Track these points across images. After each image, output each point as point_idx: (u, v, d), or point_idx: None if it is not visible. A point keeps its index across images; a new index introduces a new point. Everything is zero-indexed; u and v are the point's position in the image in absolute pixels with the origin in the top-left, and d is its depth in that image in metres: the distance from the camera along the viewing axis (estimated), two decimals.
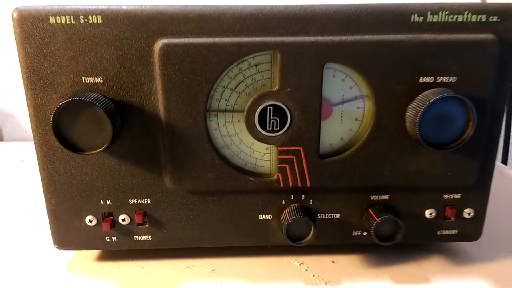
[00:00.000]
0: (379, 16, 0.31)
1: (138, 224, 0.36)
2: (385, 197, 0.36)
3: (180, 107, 0.32)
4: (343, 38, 0.31)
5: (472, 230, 0.38)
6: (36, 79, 0.31)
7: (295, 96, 0.32)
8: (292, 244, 0.35)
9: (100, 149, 0.31)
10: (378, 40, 0.31)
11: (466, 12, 0.31)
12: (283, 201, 0.36)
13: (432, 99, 0.30)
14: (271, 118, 0.33)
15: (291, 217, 0.34)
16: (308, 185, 0.35)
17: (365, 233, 0.37)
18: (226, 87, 0.33)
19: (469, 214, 0.37)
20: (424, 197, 0.36)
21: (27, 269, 0.37)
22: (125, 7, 0.30)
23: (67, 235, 0.36)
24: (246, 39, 0.31)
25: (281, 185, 0.35)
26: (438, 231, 0.37)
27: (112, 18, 0.30)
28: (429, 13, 0.31)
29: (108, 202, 0.35)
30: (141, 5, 0.30)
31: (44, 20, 0.30)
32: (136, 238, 0.36)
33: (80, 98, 0.30)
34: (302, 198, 0.36)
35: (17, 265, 0.38)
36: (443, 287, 0.35)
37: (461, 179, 0.35)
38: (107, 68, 0.31)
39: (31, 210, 0.49)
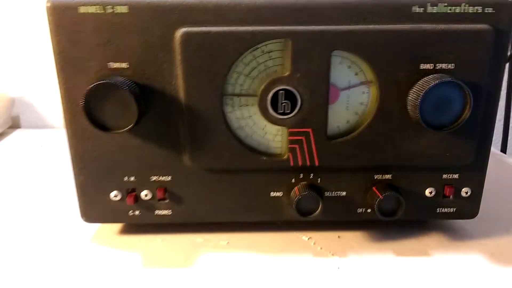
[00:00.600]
0: (383, 7, 0.34)
1: (159, 200, 0.39)
2: (388, 176, 0.39)
3: (198, 91, 0.35)
4: (350, 27, 0.34)
5: (469, 208, 0.40)
6: (67, 64, 0.34)
7: (304, 81, 0.35)
8: (301, 218, 0.38)
9: (126, 129, 0.34)
10: (382, 29, 0.34)
11: (463, 4, 0.34)
12: (293, 179, 0.39)
13: (432, 84, 0.33)
14: (283, 101, 0.36)
15: (300, 194, 0.37)
16: (316, 164, 0.37)
17: (369, 210, 0.40)
18: (241, 72, 0.36)
19: (466, 193, 0.39)
20: (424, 176, 0.39)
21: (56, 241, 0.40)
22: None
23: (93, 209, 0.39)
24: (259, 28, 0.34)
25: (291, 164, 0.38)
26: (437, 209, 0.40)
27: (137, 8, 0.33)
28: (429, 4, 0.34)
29: (132, 178, 0.38)
30: None
31: (74, 10, 0.33)
32: (157, 213, 0.39)
33: (109, 81, 0.32)
34: (311, 177, 0.39)
35: (47, 238, 0.41)
36: (441, 260, 0.38)
37: (459, 160, 0.38)
38: (132, 54, 0.34)
39: (57, 187, 0.52)
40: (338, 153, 0.37)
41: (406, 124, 0.36)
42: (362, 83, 0.37)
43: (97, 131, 0.34)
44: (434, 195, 0.39)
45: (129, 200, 0.38)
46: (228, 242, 0.40)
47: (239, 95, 0.36)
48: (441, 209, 0.40)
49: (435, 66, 0.35)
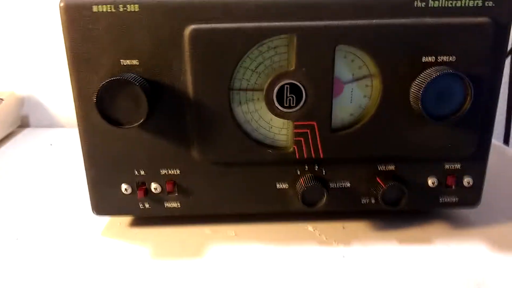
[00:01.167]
0: (385, 2, 0.35)
1: (169, 193, 0.40)
2: (391, 167, 0.40)
3: (206, 86, 0.36)
4: (353, 22, 0.35)
5: (471, 198, 0.41)
6: (80, 61, 0.35)
7: (309, 76, 0.36)
8: (306, 209, 0.39)
9: (137, 124, 0.35)
10: (385, 24, 0.35)
11: None
12: (298, 171, 0.40)
13: (434, 76, 0.34)
14: (288, 95, 0.37)
15: (306, 185, 0.38)
16: (321, 156, 0.38)
17: (373, 200, 0.41)
18: (248, 67, 0.37)
19: (468, 182, 0.40)
20: (427, 166, 0.40)
21: (67, 235, 0.42)
22: None
23: (104, 202, 0.40)
24: (265, 24, 0.35)
25: (297, 156, 0.39)
26: (440, 198, 0.41)
27: (148, 6, 0.34)
28: None
29: (142, 172, 0.39)
30: None
31: (87, 9, 0.34)
32: (167, 205, 0.41)
33: (121, 77, 0.34)
34: (316, 169, 0.40)
35: (57, 233, 0.42)
36: (444, 248, 0.39)
37: (460, 150, 0.39)
38: (143, 51, 0.35)
39: (67, 184, 0.53)
40: (342, 145, 0.38)
41: (408, 116, 0.37)
42: (365, 77, 0.38)
43: (108, 126, 0.35)
44: (437, 184, 0.40)
45: (140, 193, 0.39)
46: (235, 233, 0.41)
47: (245, 89, 0.38)
48: (443, 198, 0.41)
49: (436, 58, 0.36)
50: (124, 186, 0.40)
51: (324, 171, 0.40)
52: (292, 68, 0.36)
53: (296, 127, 0.38)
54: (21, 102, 0.79)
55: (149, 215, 0.41)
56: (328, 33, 0.35)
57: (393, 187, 0.38)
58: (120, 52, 0.35)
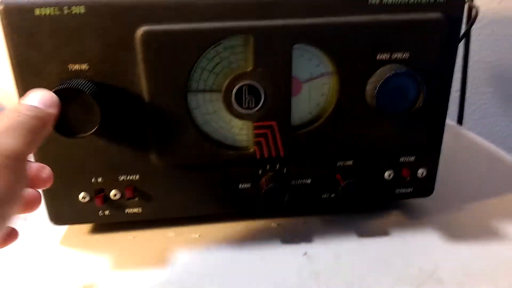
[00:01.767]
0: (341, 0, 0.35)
1: (129, 198, 0.39)
2: (350, 162, 0.41)
3: (162, 89, 0.35)
4: (309, 20, 0.35)
5: (425, 188, 0.43)
6: (25, 68, 0.33)
7: (267, 76, 0.36)
8: (269, 209, 0.39)
9: (90, 132, 0.33)
10: (340, 22, 0.35)
11: None
12: (260, 170, 0.40)
13: (387, 75, 0.34)
14: (247, 96, 0.36)
15: (267, 185, 0.38)
16: (282, 155, 0.39)
17: (333, 195, 0.42)
18: (204, 68, 0.36)
19: (422, 173, 0.42)
20: (383, 160, 0.41)
21: (23, 244, 0.40)
22: None
23: (62, 211, 0.39)
24: (221, 24, 0.34)
25: (258, 156, 0.39)
26: (396, 190, 0.42)
27: (95, 8, 0.32)
28: None
29: (99, 179, 0.38)
30: None
31: (29, 12, 0.32)
32: (127, 211, 0.40)
33: (68, 85, 0.32)
34: (277, 167, 0.40)
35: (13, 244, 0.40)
36: (400, 238, 0.40)
37: (414, 143, 0.40)
38: (92, 55, 0.34)
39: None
40: (302, 143, 0.38)
41: (365, 113, 0.38)
42: (323, 75, 0.38)
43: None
44: (393, 177, 0.42)
45: (98, 201, 0.38)
46: (199, 235, 0.41)
47: (203, 91, 0.37)
48: (399, 189, 0.43)
49: (391, 56, 0.36)
50: (81, 195, 0.38)
51: (285, 169, 0.40)
52: (250, 68, 0.35)
53: (256, 127, 0.37)
54: None
55: (110, 222, 0.40)
56: (285, 32, 0.34)
57: (352, 183, 0.39)
58: (67, 57, 0.33)
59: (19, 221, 0.43)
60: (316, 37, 0.35)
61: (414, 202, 0.46)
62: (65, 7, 0.32)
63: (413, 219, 0.43)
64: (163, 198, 0.40)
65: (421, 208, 0.45)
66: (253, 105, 0.36)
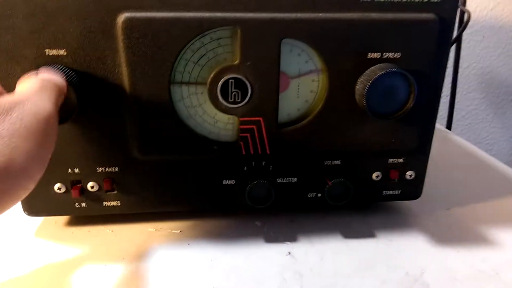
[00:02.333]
0: None
1: (107, 191, 0.38)
2: (337, 162, 0.40)
3: (144, 79, 0.34)
4: (299, 15, 0.33)
5: (413, 190, 0.42)
6: None
7: (254, 70, 0.34)
8: (253, 206, 0.38)
9: (66, 120, 0.32)
10: (331, 18, 0.34)
11: None
12: (245, 167, 0.39)
13: (378, 74, 0.33)
14: (233, 90, 0.35)
15: (252, 182, 0.37)
16: (268, 152, 0.38)
17: (319, 195, 0.41)
18: (189, 60, 0.35)
19: (410, 176, 0.41)
20: (371, 161, 0.40)
21: None
22: None
23: (37, 202, 0.37)
24: (207, 15, 0.32)
25: (243, 152, 0.37)
26: (383, 192, 0.42)
27: None
28: None
29: (76, 170, 0.36)
30: None
31: None
32: (105, 204, 0.38)
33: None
34: (263, 164, 0.39)
35: None
36: (386, 241, 0.40)
37: (403, 145, 0.39)
38: (71, 40, 0.32)
39: None
40: (289, 141, 0.37)
41: (354, 112, 0.37)
42: (312, 71, 0.37)
43: None
44: (381, 178, 0.41)
45: (75, 193, 0.37)
46: (180, 231, 0.40)
47: (188, 83, 0.35)
48: (387, 191, 0.42)
49: (382, 55, 0.35)
50: (57, 185, 0.37)
51: (271, 166, 0.39)
52: (237, 61, 0.34)
53: (242, 123, 0.36)
54: None
55: (87, 214, 0.39)
56: (274, 26, 0.33)
57: (338, 184, 0.38)
58: (44, 42, 0.32)
59: None
60: (305, 33, 0.34)
61: (402, 205, 0.45)
62: None
63: (400, 222, 0.43)
64: (143, 192, 0.38)
65: (408, 211, 0.44)
66: (239, 100, 0.35)
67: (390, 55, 0.35)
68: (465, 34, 0.87)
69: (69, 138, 0.35)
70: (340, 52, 0.35)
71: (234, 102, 0.35)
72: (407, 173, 0.41)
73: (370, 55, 0.35)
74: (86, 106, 0.33)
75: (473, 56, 0.92)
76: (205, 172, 0.38)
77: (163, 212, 0.41)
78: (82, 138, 0.35)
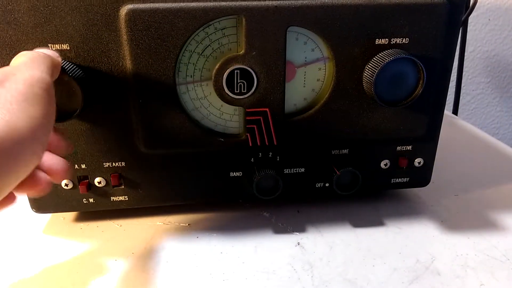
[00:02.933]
0: None
1: (114, 186, 0.38)
2: (345, 151, 0.39)
3: (149, 72, 0.33)
4: (305, 2, 0.33)
5: (422, 177, 0.42)
6: (2, 47, 0.31)
7: (260, 60, 0.34)
8: (261, 198, 0.38)
9: (71, 116, 0.32)
10: (337, 4, 0.33)
11: None
12: (252, 158, 0.38)
13: (386, 61, 0.33)
14: (239, 81, 0.34)
15: (259, 174, 0.37)
16: (275, 143, 0.37)
17: (327, 184, 0.40)
18: (194, 51, 0.34)
19: (419, 163, 0.41)
20: (380, 149, 0.40)
21: (5, 234, 0.39)
22: None
23: (44, 199, 0.37)
24: (211, 4, 0.32)
25: (250, 144, 0.37)
26: (392, 179, 0.41)
27: None
28: None
29: (83, 166, 0.36)
30: None
31: None
32: (113, 199, 0.38)
33: None
34: (270, 155, 0.38)
35: None
36: (396, 229, 0.39)
37: (412, 132, 0.39)
38: (73, 34, 0.32)
39: None
40: (296, 131, 0.37)
41: (361, 100, 0.36)
42: (318, 60, 0.36)
43: None
44: (389, 166, 0.41)
45: (82, 188, 0.36)
46: (189, 224, 0.40)
47: (192, 75, 0.35)
48: (395, 179, 0.41)
49: (390, 41, 0.35)
50: (64, 181, 0.37)
51: (278, 157, 0.39)
52: (242, 51, 0.34)
53: (248, 114, 0.36)
54: None
55: (95, 210, 0.39)
56: (279, 14, 0.33)
57: (347, 173, 0.38)
58: (47, 36, 0.31)
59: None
60: (311, 20, 0.33)
61: (409, 192, 0.45)
62: None
63: (409, 209, 0.42)
64: (150, 186, 0.38)
65: (416, 198, 0.44)
66: (245, 91, 0.35)
67: (398, 40, 0.35)
68: (470, 17, 0.86)
69: (75, 133, 0.35)
70: (347, 39, 0.34)
71: (240, 93, 0.35)
72: (416, 160, 0.41)
73: (378, 41, 0.34)
74: (91, 101, 0.33)
75: (479, 40, 0.91)
76: (212, 164, 0.38)
77: (171, 206, 0.41)
78: (88, 133, 0.35)
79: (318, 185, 0.40)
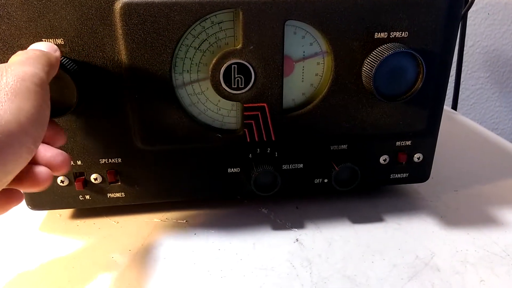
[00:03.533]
0: None
1: (110, 182, 0.37)
2: (344, 146, 0.39)
3: (145, 67, 0.33)
4: None
5: (421, 173, 0.42)
6: None
7: (258, 54, 0.33)
8: (259, 194, 0.37)
9: (66, 112, 0.31)
10: None
11: None
12: (250, 154, 0.38)
13: (385, 55, 0.32)
14: (236, 76, 0.34)
15: (258, 170, 0.36)
16: (273, 139, 0.37)
17: (326, 180, 0.40)
18: (190, 45, 0.34)
19: (418, 158, 0.40)
20: (379, 145, 0.39)
21: (0, 231, 0.38)
22: None
23: (40, 195, 0.37)
24: None
25: (248, 140, 0.37)
26: (391, 175, 0.41)
27: None
28: None
29: (79, 162, 0.36)
30: None
31: None
32: (109, 196, 0.38)
33: None
34: (268, 151, 0.38)
35: None
36: (395, 225, 0.39)
37: (411, 127, 0.38)
38: (68, 29, 0.31)
39: None
40: (295, 127, 0.37)
41: (360, 94, 0.36)
42: (317, 54, 0.35)
43: None
44: (388, 162, 0.40)
45: (78, 185, 0.36)
46: (186, 221, 0.40)
47: (189, 70, 0.34)
48: (394, 175, 0.41)
49: (389, 34, 0.34)
50: (60, 178, 0.36)
51: (276, 153, 0.38)
52: (239, 45, 0.33)
53: (245, 109, 0.35)
54: None
55: (91, 206, 0.38)
56: (276, 7, 0.32)
57: (345, 169, 0.37)
58: (41, 31, 0.31)
59: None
60: (309, 14, 0.33)
61: (409, 188, 0.45)
62: None
63: (408, 205, 0.42)
64: (147, 183, 0.38)
65: (415, 194, 0.44)
66: (242, 85, 0.34)
67: (398, 34, 0.34)
68: (469, 12, 0.85)
69: (70, 130, 0.34)
70: (346, 32, 0.34)
71: (238, 88, 0.34)
72: (415, 155, 0.40)
73: (377, 35, 0.34)
74: (86, 97, 0.32)
75: (478, 34, 0.90)
76: (210, 160, 0.38)
77: (168, 203, 0.40)
78: (83, 129, 0.34)
79: (317, 181, 0.40)
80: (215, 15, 0.33)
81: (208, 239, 0.37)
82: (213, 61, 0.33)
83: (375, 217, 0.40)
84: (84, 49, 0.32)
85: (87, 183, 0.37)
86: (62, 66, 0.29)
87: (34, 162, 0.26)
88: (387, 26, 0.34)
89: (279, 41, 0.33)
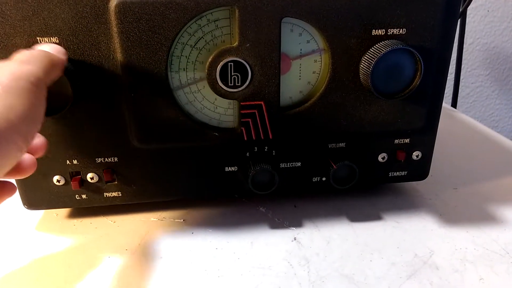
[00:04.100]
0: None
1: (107, 182, 0.37)
2: (342, 144, 0.39)
3: (141, 65, 0.32)
4: None
5: (420, 171, 0.41)
6: None
7: (254, 52, 0.33)
8: (257, 193, 0.37)
9: (62, 111, 0.31)
10: None
11: None
12: (247, 153, 0.38)
13: (383, 52, 0.32)
14: (232, 74, 0.34)
15: (255, 168, 0.36)
16: (270, 137, 0.37)
17: (324, 178, 0.40)
18: (186, 43, 0.33)
19: (417, 156, 0.40)
20: (377, 143, 0.39)
21: None
22: None
23: (36, 195, 0.37)
24: None
25: (245, 138, 0.36)
26: (390, 173, 0.41)
27: None
28: None
29: (75, 161, 0.36)
30: None
31: None
32: (106, 195, 0.38)
33: None
34: (265, 150, 0.38)
35: None
36: (394, 223, 0.39)
37: (410, 125, 0.38)
38: (62, 27, 0.31)
39: None
40: (292, 125, 0.36)
41: (358, 92, 0.36)
42: (314, 51, 0.35)
43: None
44: (387, 160, 0.40)
45: (74, 185, 0.36)
46: (184, 220, 0.39)
47: (185, 68, 0.34)
48: (393, 173, 0.41)
49: (387, 31, 0.34)
50: (56, 178, 0.36)
51: (274, 151, 0.38)
52: (236, 43, 0.33)
53: (242, 107, 0.35)
54: None
55: (88, 206, 0.38)
56: (273, 4, 0.32)
57: (343, 167, 0.37)
58: (36, 29, 0.31)
59: None
60: (306, 11, 0.33)
61: (407, 186, 0.44)
62: None
63: (407, 203, 0.42)
64: (144, 182, 0.37)
65: (414, 192, 0.44)
66: (239, 83, 0.34)
67: (395, 31, 0.34)
68: (469, 9, 0.85)
69: (66, 128, 0.34)
70: (343, 29, 0.33)
71: (234, 86, 0.34)
72: (414, 153, 0.40)
73: (375, 32, 0.34)
74: (81, 95, 0.32)
75: (478, 32, 0.90)
76: (207, 159, 0.38)
77: (165, 202, 0.40)
78: (79, 128, 0.34)
79: (314, 179, 0.40)
80: (211, 12, 0.32)
81: (206, 238, 0.37)
82: (210, 59, 0.33)
83: (374, 216, 0.40)
84: (79, 47, 0.32)
85: (83, 182, 0.37)
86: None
87: None
88: (385, 23, 0.34)
89: (276, 39, 0.33)
